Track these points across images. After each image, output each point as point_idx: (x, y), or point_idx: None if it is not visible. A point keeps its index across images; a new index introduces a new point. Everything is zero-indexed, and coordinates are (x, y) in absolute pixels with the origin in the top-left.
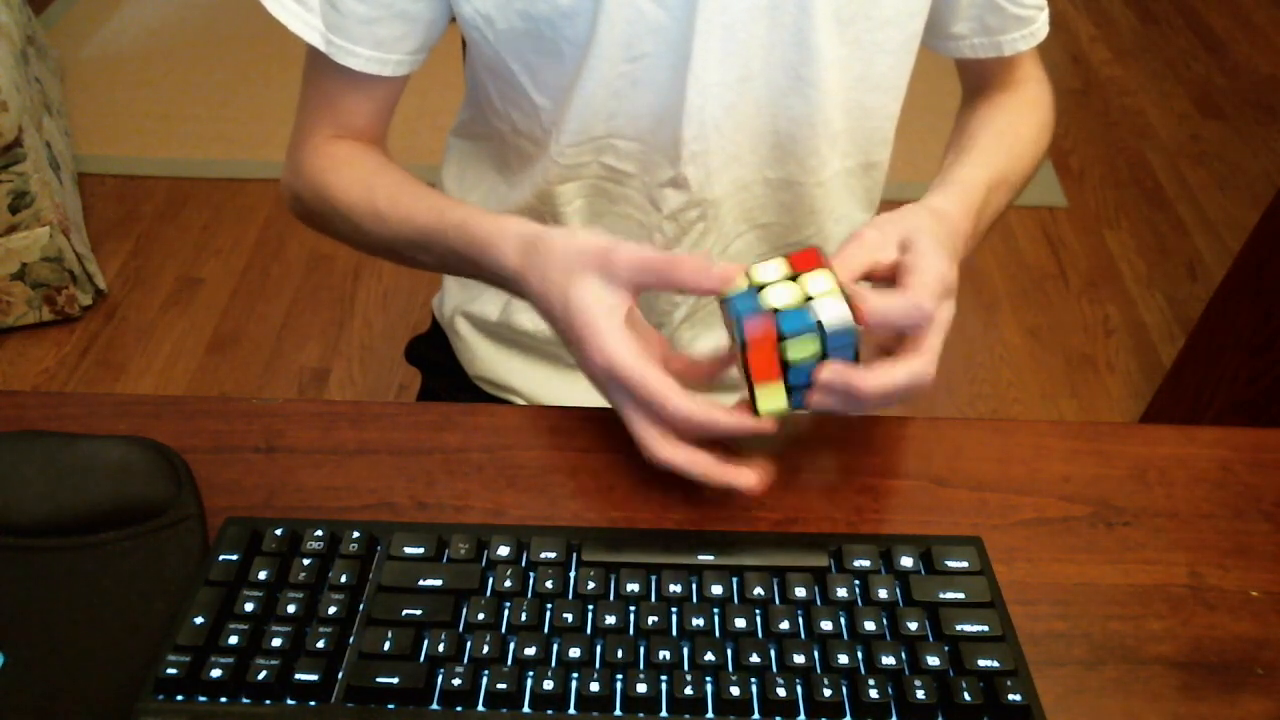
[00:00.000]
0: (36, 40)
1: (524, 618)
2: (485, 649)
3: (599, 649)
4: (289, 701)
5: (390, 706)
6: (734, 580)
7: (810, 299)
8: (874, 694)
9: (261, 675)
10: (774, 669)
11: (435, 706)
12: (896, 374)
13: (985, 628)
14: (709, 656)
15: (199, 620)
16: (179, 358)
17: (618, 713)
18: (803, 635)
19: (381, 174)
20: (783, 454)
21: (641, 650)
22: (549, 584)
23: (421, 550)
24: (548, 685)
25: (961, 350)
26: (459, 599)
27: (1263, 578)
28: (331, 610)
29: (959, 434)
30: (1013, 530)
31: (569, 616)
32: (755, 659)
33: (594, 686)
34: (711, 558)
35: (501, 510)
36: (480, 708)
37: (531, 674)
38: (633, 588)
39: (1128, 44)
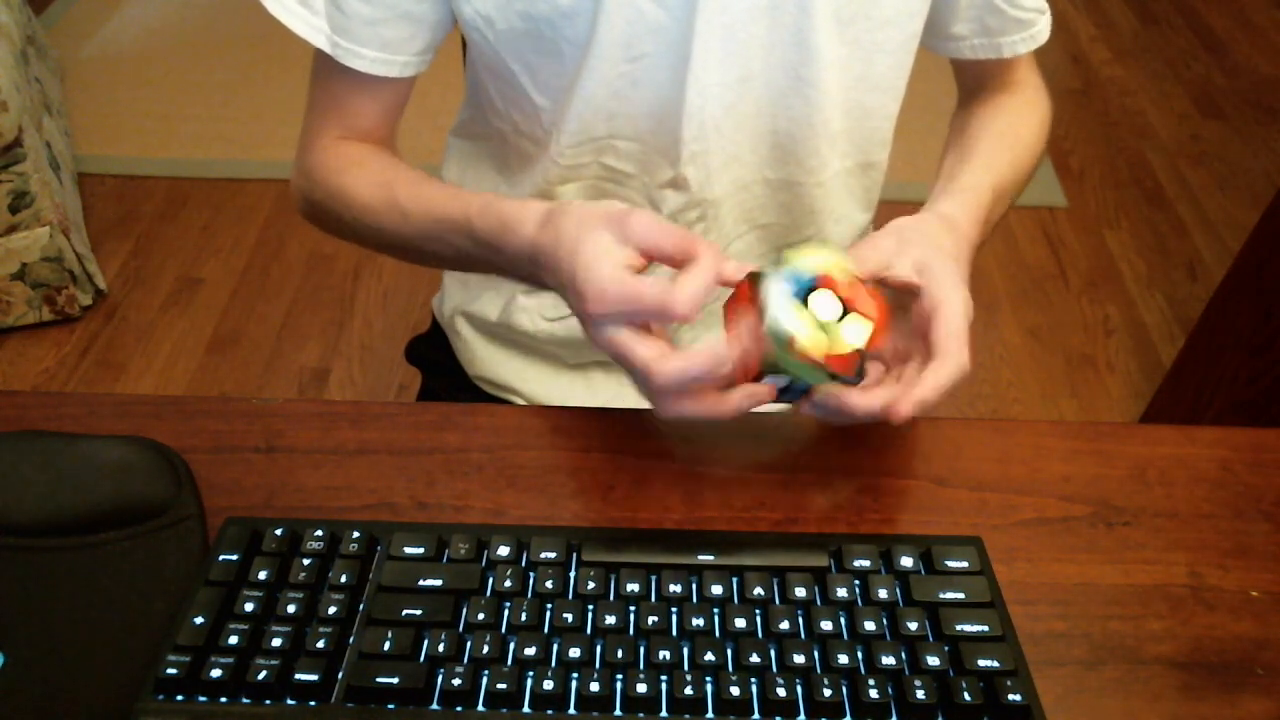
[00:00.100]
0: (36, 40)
1: (524, 618)
2: (485, 649)
3: (599, 649)
4: (289, 701)
5: (390, 706)
6: (734, 580)
7: (841, 318)
8: (874, 694)
9: (261, 675)
10: (774, 669)
11: (435, 706)
12: (884, 397)
13: (985, 628)
14: (709, 656)
15: (199, 620)
16: (179, 358)
17: (618, 713)
18: (803, 635)
19: (396, 170)
20: (783, 454)
21: (641, 650)
22: (549, 584)
23: (421, 550)
24: (548, 685)
25: None
26: (459, 599)
27: (1263, 578)
28: (331, 610)
29: (959, 434)
30: (1013, 530)
31: (569, 616)
32: (755, 659)
33: (594, 686)
34: (711, 558)
35: (501, 510)
36: (480, 708)
37: (531, 674)
38: (633, 588)
39: (1128, 44)
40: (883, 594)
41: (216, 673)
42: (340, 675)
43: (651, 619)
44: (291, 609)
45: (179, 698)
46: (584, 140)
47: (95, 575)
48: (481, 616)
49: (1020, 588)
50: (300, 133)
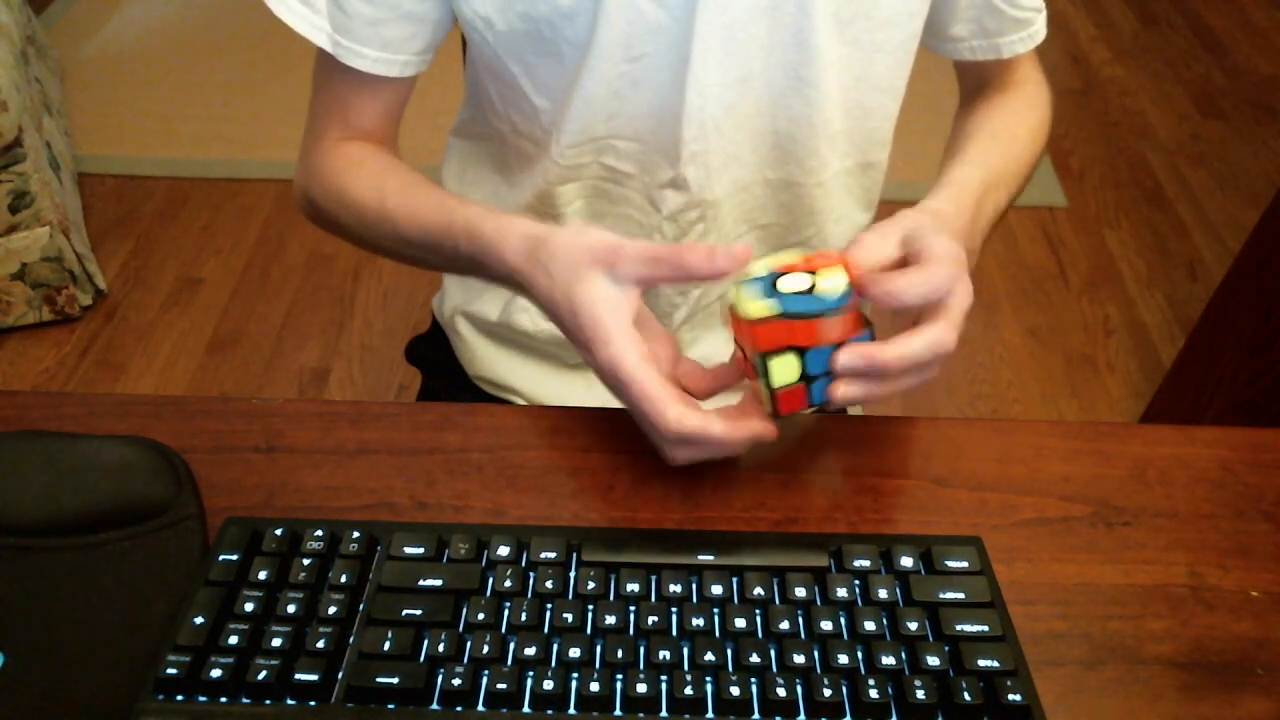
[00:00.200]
0: (36, 40)
1: (524, 618)
2: (485, 649)
3: (599, 649)
4: (289, 701)
5: (390, 706)
6: (734, 580)
7: (814, 286)
8: (874, 694)
9: (261, 675)
10: (774, 669)
11: (435, 706)
12: (915, 343)
13: (985, 628)
14: (709, 656)
15: (199, 620)
16: (179, 358)
17: (618, 713)
18: (803, 635)
19: (391, 175)
20: (783, 454)
21: (641, 650)
22: (549, 584)
23: (421, 550)
24: (548, 685)
25: (961, 350)
26: (459, 599)
27: (1263, 578)
28: (331, 610)
29: (959, 434)
30: (1013, 530)
31: (569, 616)
32: (755, 659)
33: (594, 686)
34: (711, 558)
35: (501, 510)
36: (480, 708)
37: (531, 674)
38: (633, 588)
39: (1128, 44)
40: (883, 594)
41: (216, 673)
42: (340, 675)
43: (651, 619)
44: (291, 609)
45: (179, 698)
46: (584, 140)
47: (95, 575)
48: (481, 616)
49: (1020, 588)
50: (303, 133)
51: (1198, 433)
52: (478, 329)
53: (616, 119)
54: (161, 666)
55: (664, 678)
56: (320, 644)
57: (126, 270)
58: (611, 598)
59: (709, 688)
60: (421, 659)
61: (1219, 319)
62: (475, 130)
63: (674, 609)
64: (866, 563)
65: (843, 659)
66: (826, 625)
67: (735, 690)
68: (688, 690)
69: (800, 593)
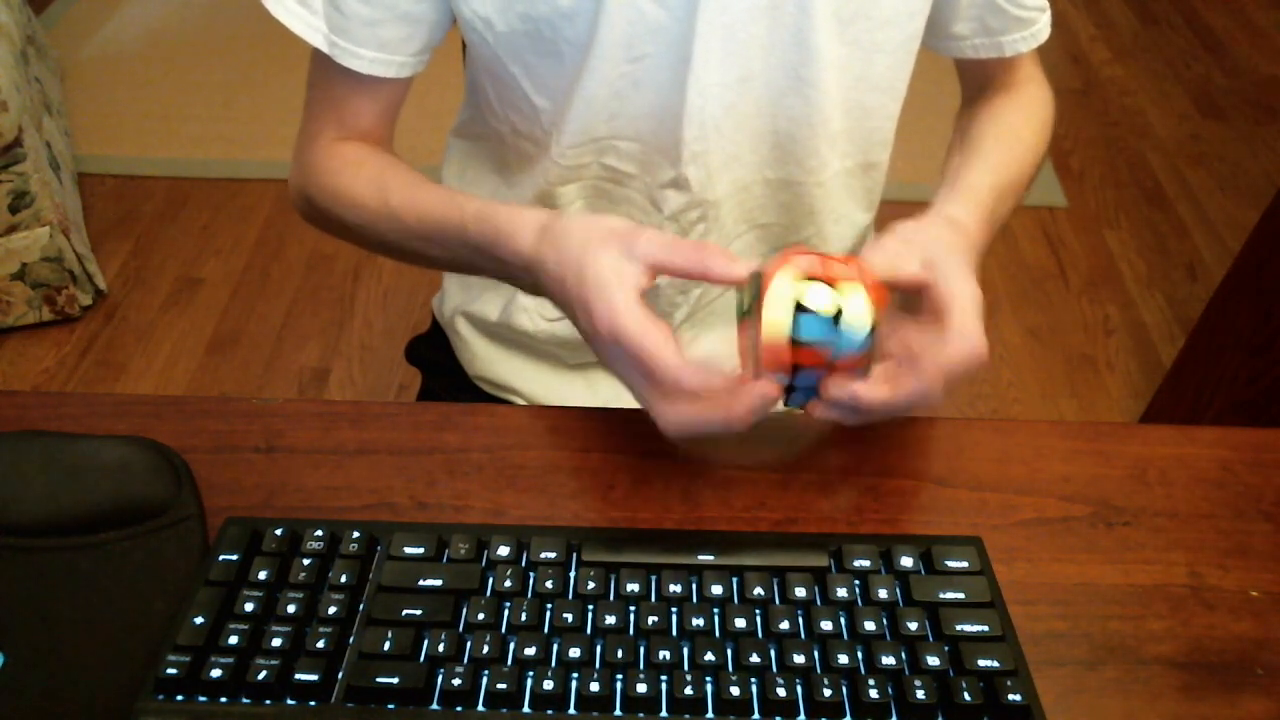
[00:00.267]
0: (36, 40)
1: (524, 618)
2: (485, 649)
3: (599, 649)
4: (289, 701)
5: (390, 706)
6: (734, 580)
7: (840, 313)
8: (874, 694)
9: (261, 675)
10: (774, 669)
11: (435, 706)
12: (900, 396)
13: (985, 628)
14: (709, 656)
15: (199, 620)
16: (179, 358)
17: (618, 713)
18: (803, 635)
19: (392, 173)
20: (783, 454)
21: (641, 650)
22: (549, 584)
23: (421, 550)
24: (548, 685)
25: None
26: (459, 599)
27: (1263, 578)
28: (331, 610)
29: (959, 434)
30: (1013, 530)
31: (569, 616)
32: (755, 659)
33: (594, 686)
34: (711, 558)
35: (501, 510)
36: (480, 708)
37: (531, 674)
38: (633, 588)
39: (1128, 44)
40: (883, 594)
41: (216, 673)
42: (340, 675)
43: (651, 619)
44: (291, 609)
45: (179, 698)
46: (585, 141)
47: (95, 575)
48: (481, 616)
49: (1020, 588)
50: (298, 132)
51: (1198, 433)
52: (478, 329)
53: (617, 119)
54: (161, 666)
55: (664, 678)
56: (320, 644)
57: (126, 270)
58: (611, 598)
59: (709, 688)
60: (421, 659)
61: (1219, 319)
62: (475, 130)
63: (674, 609)
64: (866, 563)
65: (843, 659)
66: (826, 625)
67: (735, 690)
68: (688, 690)
69: (800, 593)
